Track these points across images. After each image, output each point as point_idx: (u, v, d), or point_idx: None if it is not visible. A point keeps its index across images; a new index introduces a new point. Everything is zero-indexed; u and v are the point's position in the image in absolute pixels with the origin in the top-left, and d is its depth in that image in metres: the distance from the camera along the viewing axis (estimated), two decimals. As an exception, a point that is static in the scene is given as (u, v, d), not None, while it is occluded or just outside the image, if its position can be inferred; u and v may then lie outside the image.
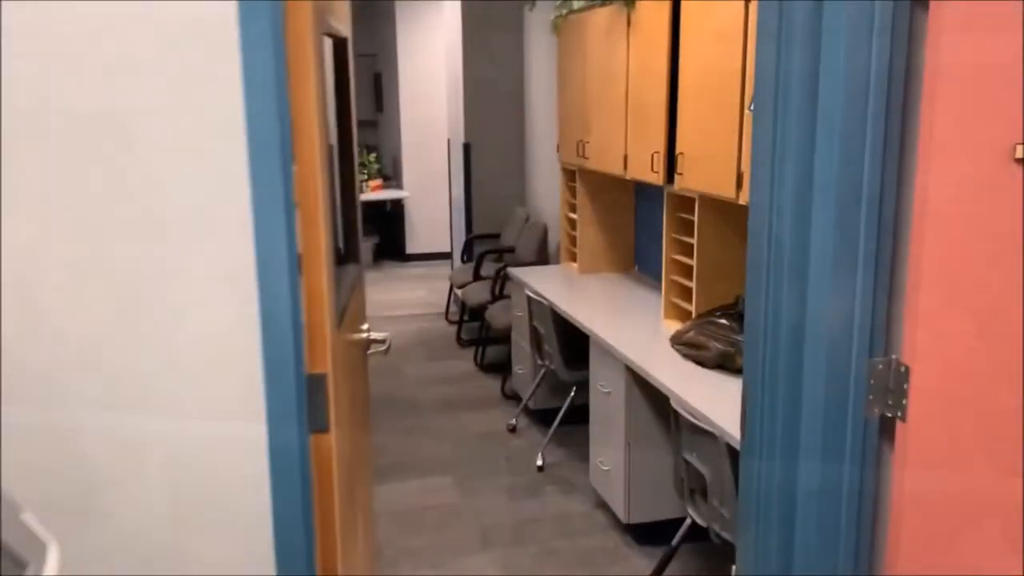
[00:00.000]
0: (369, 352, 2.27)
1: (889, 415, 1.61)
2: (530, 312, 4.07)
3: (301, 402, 1.42)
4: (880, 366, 1.60)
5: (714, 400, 2.56)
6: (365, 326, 2.26)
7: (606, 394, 3.28)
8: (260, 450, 1.39)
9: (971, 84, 1.47)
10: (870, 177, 1.55)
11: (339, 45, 2.03)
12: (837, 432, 1.69)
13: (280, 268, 1.34)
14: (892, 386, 1.59)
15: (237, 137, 1.30)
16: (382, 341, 2.27)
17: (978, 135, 1.48)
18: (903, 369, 1.56)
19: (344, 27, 2.07)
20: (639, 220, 4.39)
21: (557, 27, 4.40)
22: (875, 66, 1.52)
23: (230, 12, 1.27)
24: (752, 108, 1.83)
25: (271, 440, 1.39)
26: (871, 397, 1.61)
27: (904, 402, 1.57)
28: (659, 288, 3.66)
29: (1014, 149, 1.49)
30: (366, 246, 8.48)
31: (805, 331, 1.76)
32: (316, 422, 1.50)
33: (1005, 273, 1.53)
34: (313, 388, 1.48)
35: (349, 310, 1.94)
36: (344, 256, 2.10)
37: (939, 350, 1.55)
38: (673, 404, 2.59)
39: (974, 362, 1.55)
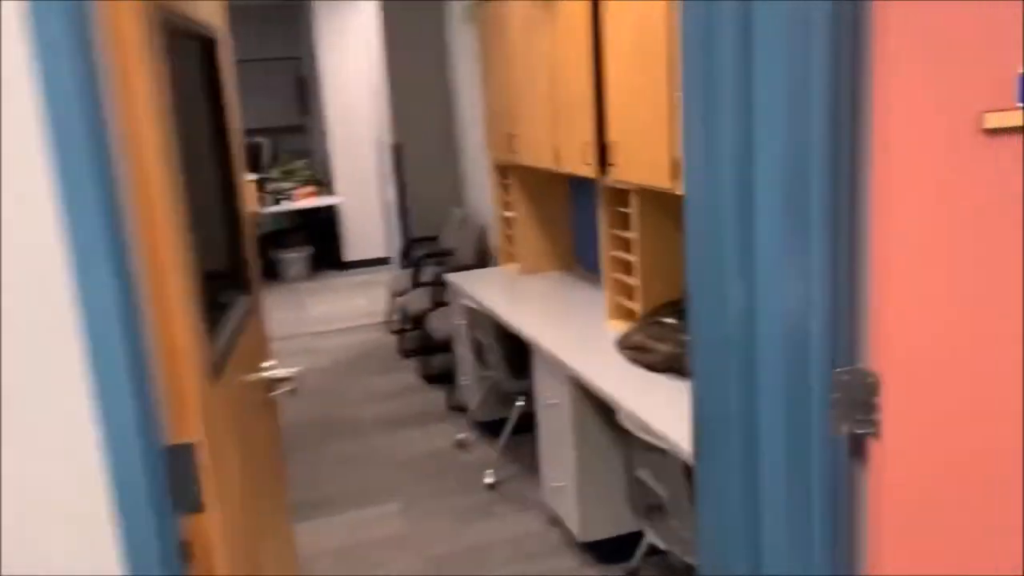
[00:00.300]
0: (275, 393, 2.01)
1: (860, 432, 1.41)
2: (469, 320, 3.84)
3: (158, 482, 1.16)
4: (846, 377, 1.40)
5: (666, 410, 2.35)
6: (268, 363, 2.00)
7: (552, 406, 3.05)
8: (109, 552, 1.13)
9: (928, 51, 1.27)
10: (820, 164, 1.34)
11: (207, 46, 1.77)
12: (801, 454, 1.48)
13: (109, 315, 1.08)
14: (861, 400, 1.39)
15: (38, 157, 1.04)
16: (289, 379, 2.01)
17: (940, 107, 1.28)
18: (872, 380, 1.36)
19: (214, 25, 1.80)
20: (577, 215, 4.18)
21: (470, 15, 4.16)
22: (819, 44, 1.31)
23: (16, 15, 1.01)
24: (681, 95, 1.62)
25: (125, 537, 1.13)
26: (837, 413, 1.41)
27: (876, 417, 1.37)
28: (603, 286, 3.45)
29: (981, 118, 1.30)
30: (299, 257, 8.15)
31: (756, 341, 1.55)
32: (186, 502, 1.24)
33: (982, 260, 1.33)
34: (177, 462, 1.22)
35: (239, 352, 1.68)
36: (233, 286, 1.84)
37: (914, 355, 1.35)
38: (620, 420, 2.38)
39: (957, 366, 1.36)
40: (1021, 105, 1.29)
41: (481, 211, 5.37)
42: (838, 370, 1.40)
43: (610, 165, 2.97)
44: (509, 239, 4.39)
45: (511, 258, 4.41)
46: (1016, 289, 1.34)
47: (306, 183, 8.29)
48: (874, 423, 1.37)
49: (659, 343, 2.68)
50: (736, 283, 1.59)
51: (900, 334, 1.34)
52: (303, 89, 8.70)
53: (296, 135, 8.95)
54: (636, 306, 3.08)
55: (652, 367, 2.70)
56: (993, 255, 1.33)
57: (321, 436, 4.40)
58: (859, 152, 1.34)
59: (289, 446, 4.28)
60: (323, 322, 6.56)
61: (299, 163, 8.45)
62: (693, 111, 1.55)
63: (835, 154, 1.33)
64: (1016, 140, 1.30)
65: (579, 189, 4.09)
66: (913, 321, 1.34)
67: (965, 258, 1.33)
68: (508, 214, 4.31)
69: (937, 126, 1.29)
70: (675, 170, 2.51)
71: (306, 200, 8.11)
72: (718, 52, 1.49)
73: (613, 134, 2.90)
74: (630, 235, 3.07)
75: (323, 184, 8.46)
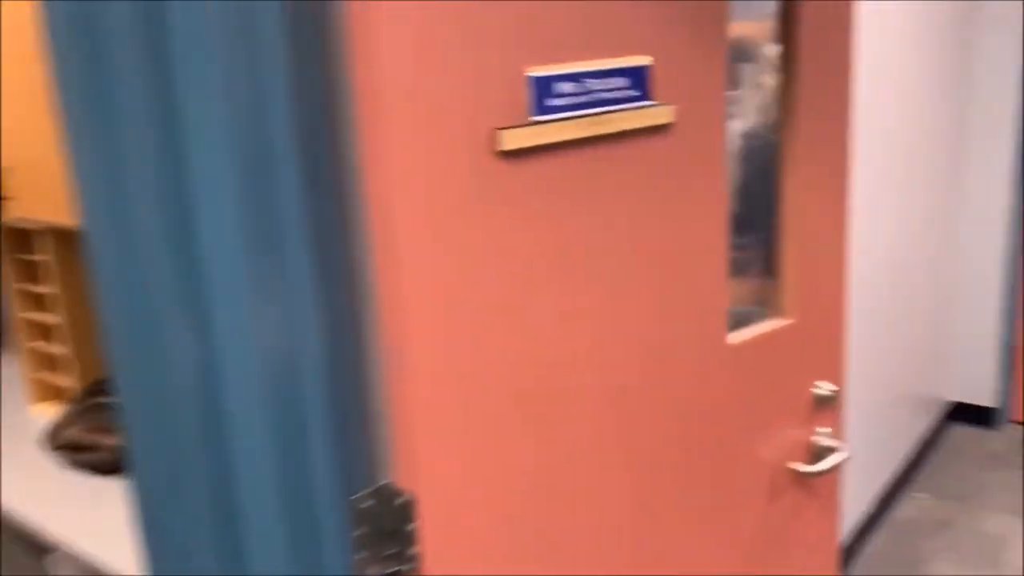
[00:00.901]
0: None
1: (396, 570, 1.01)
2: None
3: None
4: (368, 504, 0.99)
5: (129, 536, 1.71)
6: None
7: (-48, 546, 2.14)
8: None
9: (429, 58, 0.91)
10: (289, 211, 0.90)
11: None
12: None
13: None
14: (392, 529, 0.99)
15: None
16: None
17: (452, 127, 0.94)
18: (405, 500, 0.98)
19: None
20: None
21: None
22: (269, 49, 0.87)
23: None
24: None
25: None
26: (364, 555, 0.99)
27: (413, 551, 0.99)
28: (16, 359, 2.58)
29: (493, 138, 0.99)
30: None
31: (232, 469, 1.06)
32: None
33: (522, 320, 1.04)
34: None
35: None
36: None
37: (455, 455, 0.99)
38: (50, 570, 1.67)
39: (508, 462, 1.04)
40: (536, 119, 1.02)
41: None
42: (355, 497, 0.98)
43: (7, 199, 2.18)
44: None
45: None
46: (562, 352, 1.07)
47: None
48: (413, 558, 0.99)
49: (102, 435, 2.00)
50: (183, 364, 1.07)
51: (433, 431, 0.98)
52: None
53: None
54: (68, 382, 2.33)
55: (99, 469, 2.01)
56: (533, 313, 1.04)
57: None
58: (347, 197, 0.94)
59: None
60: None
61: None
62: (81, 125, 0.99)
63: (311, 199, 0.91)
64: (538, 162, 1.03)
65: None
66: (446, 412, 0.98)
67: (499, 319, 1.02)
68: None
69: (449, 152, 0.95)
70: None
71: None
72: (110, 51, 0.95)
73: (6, 158, 2.13)
74: (46, 290, 2.31)
75: None
